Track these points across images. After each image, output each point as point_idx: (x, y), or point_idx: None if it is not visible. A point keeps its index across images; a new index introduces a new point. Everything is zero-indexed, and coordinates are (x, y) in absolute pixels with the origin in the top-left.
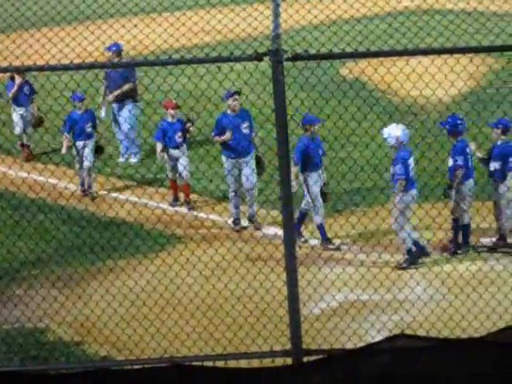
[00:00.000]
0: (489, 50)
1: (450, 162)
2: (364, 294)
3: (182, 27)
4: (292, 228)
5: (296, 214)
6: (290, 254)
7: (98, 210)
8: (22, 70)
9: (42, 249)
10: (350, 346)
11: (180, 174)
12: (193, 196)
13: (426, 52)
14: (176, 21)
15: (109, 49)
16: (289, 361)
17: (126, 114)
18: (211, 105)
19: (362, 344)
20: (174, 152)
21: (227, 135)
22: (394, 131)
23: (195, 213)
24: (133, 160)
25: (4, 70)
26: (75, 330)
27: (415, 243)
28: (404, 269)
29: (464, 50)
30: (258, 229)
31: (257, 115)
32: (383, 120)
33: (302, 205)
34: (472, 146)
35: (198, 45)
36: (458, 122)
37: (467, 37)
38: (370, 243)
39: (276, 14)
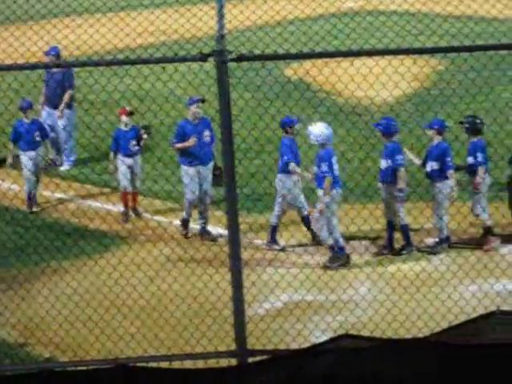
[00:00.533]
0: (432, 51)
1: (383, 164)
2: (308, 295)
3: (126, 28)
4: (237, 228)
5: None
6: (234, 255)
7: (42, 210)
8: None
9: None
10: (294, 346)
11: (131, 182)
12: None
13: (370, 53)
14: (120, 21)
15: (47, 53)
16: (234, 361)
17: (65, 121)
18: (155, 105)
19: (306, 344)
20: (127, 160)
21: (191, 142)
22: (318, 129)
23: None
24: (66, 167)
25: None
26: (19, 331)
27: (336, 243)
28: (329, 268)
29: (408, 52)
30: (214, 240)
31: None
32: (328, 120)
33: (275, 211)
34: (406, 151)
35: (143, 45)
36: (391, 123)
37: (411, 38)
38: (314, 244)
39: (220, 15)
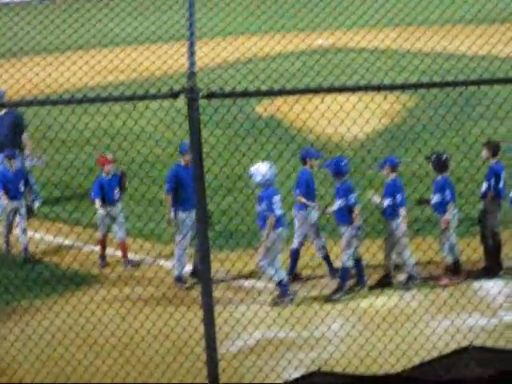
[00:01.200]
0: (403, 87)
1: (336, 204)
2: (281, 332)
3: (97, 65)
4: (208, 266)
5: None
6: (206, 293)
7: (13, 249)
8: None
9: None
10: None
11: (116, 233)
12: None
13: (340, 89)
14: (91, 59)
15: None
16: None
17: (28, 164)
18: (127, 143)
19: (279, 381)
20: (112, 209)
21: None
22: (260, 168)
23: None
24: (37, 204)
25: None
26: None
27: (281, 281)
28: (278, 304)
29: (378, 88)
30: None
31: (173, 153)
32: (299, 157)
33: (295, 244)
34: (370, 194)
35: (113, 83)
36: (342, 163)
37: (381, 74)
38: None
39: (191, 52)
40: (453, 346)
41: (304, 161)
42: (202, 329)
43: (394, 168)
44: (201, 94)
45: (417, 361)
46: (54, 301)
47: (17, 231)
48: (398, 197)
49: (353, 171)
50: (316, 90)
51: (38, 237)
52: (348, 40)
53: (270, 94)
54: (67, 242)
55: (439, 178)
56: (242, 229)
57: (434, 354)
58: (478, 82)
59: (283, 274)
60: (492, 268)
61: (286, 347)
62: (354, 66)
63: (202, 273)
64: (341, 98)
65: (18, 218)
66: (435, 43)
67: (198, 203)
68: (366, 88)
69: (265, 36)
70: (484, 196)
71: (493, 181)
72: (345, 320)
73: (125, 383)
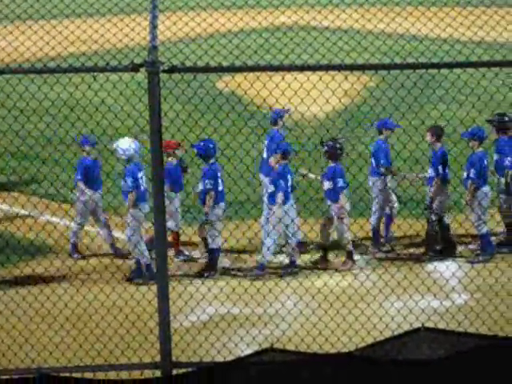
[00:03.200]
0: (363, 67)
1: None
2: (234, 308)
3: (58, 35)
4: (164, 241)
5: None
6: (160, 267)
7: None
8: None
9: None
10: (219, 359)
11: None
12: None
13: (301, 68)
14: (52, 29)
15: None
16: (158, 373)
17: None
18: (85, 115)
19: (231, 357)
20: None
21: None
22: (122, 144)
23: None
24: None
25: None
26: None
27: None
28: (131, 280)
29: (339, 68)
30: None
31: (133, 126)
32: (258, 134)
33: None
34: (303, 170)
35: (74, 54)
36: (207, 144)
37: (343, 54)
38: (242, 257)
39: (153, 26)
40: (405, 327)
41: (380, 131)
42: (155, 303)
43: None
44: (162, 67)
45: (369, 341)
46: (8, 271)
47: None
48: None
49: (311, 150)
50: (277, 68)
51: None
52: (310, 19)
53: (231, 70)
54: (23, 212)
55: (331, 165)
56: (197, 204)
57: (387, 334)
58: (439, 65)
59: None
60: (445, 250)
61: (239, 323)
62: (316, 45)
63: (157, 247)
64: (301, 76)
65: None
66: (397, 25)
67: (155, 176)
68: (327, 67)
69: (227, 12)
70: (431, 181)
71: (441, 166)
72: (298, 298)
73: (77, 355)
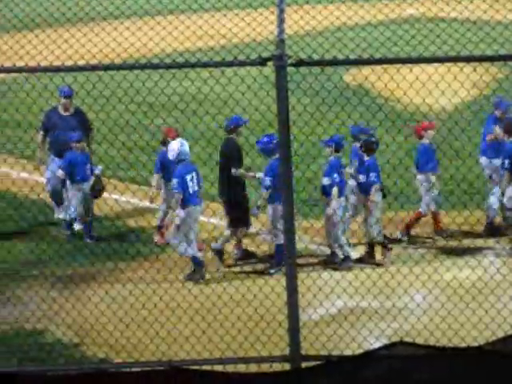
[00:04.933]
0: (492, 59)
1: (267, 181)
2: (363, 301)
3: (186, 30)
4: (293, 233)
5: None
6: (289, 260)
7: (100, 212)
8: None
9: (42, 249)
10: (348, 352)
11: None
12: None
13: (429, 60)
14: (180, 24)
15: (60, 93)
16: (287, 366)
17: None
18: (214, 109)
19: (360, 351)
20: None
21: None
22: (172, 146)
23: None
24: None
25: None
26: (74, 331)
27: (194, 258)
28: (188, 280)
29: (468, 59)
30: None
31: (260, 120)
32: (385, 127)
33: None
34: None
35: (202, 49)
36: (271, 140)
37: (471, 46)
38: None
39: (281, 20)
40: None
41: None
42: (284, 296)
43: (338, 148)
44: (289, 61)
45: (499, 334)
46: (139, 264)
47: None
48: (335, 177)
49: (440, 142)
50: (405, 60)
51: (124, 200)
52: (439, 10)
53: (359, 62)
54: (154, 206)
55: (367, 159)
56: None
57: None
58: None
59: (194, 251)
60: None
61: (368, 317)
62: (444, 37)
63: (286, 240)
64: (430, 68)
65: None
66: None
67: (283, 171)
68: (456, 59)
69: (354, 5)
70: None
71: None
72: (428, 292)
73: (206, 348)
